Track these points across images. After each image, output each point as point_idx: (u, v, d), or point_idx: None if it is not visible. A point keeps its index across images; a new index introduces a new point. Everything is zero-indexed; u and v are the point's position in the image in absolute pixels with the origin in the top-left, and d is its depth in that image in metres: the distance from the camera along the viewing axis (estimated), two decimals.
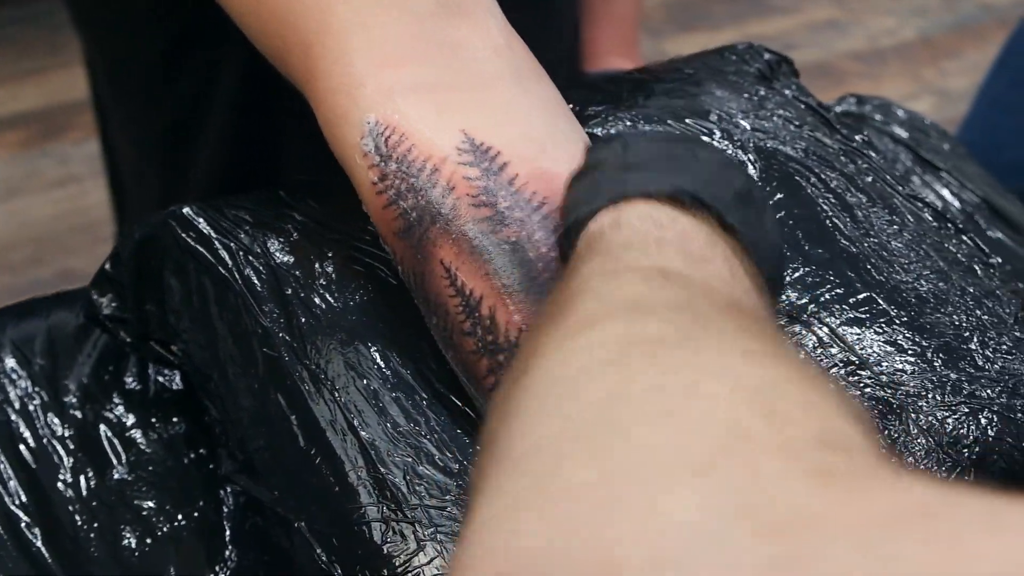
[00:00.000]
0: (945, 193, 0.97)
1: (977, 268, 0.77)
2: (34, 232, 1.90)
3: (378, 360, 0.70)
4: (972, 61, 2.16)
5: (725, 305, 0.49)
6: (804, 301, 0.73)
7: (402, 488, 0.65)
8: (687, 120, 0.81)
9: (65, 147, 2.01)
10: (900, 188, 0.81)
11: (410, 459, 0.66)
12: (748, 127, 0.82)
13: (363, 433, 0.67)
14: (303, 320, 0.71)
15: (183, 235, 0.76)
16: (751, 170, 0.78)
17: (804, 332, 0.71)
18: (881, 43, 2.27)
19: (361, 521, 0.65)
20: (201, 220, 0.76)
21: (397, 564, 0.64)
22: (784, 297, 0.73)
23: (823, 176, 0.79)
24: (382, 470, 0.66)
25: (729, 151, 0.79)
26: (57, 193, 1.96)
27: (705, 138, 0.79)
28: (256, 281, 0.73)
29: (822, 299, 0.73)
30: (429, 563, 0.63)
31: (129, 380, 0.83)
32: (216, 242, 0.75)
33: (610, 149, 0.60)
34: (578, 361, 0.43)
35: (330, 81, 0.66)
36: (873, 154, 0.83)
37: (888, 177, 0.81)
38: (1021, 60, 1.39)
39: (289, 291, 0.72)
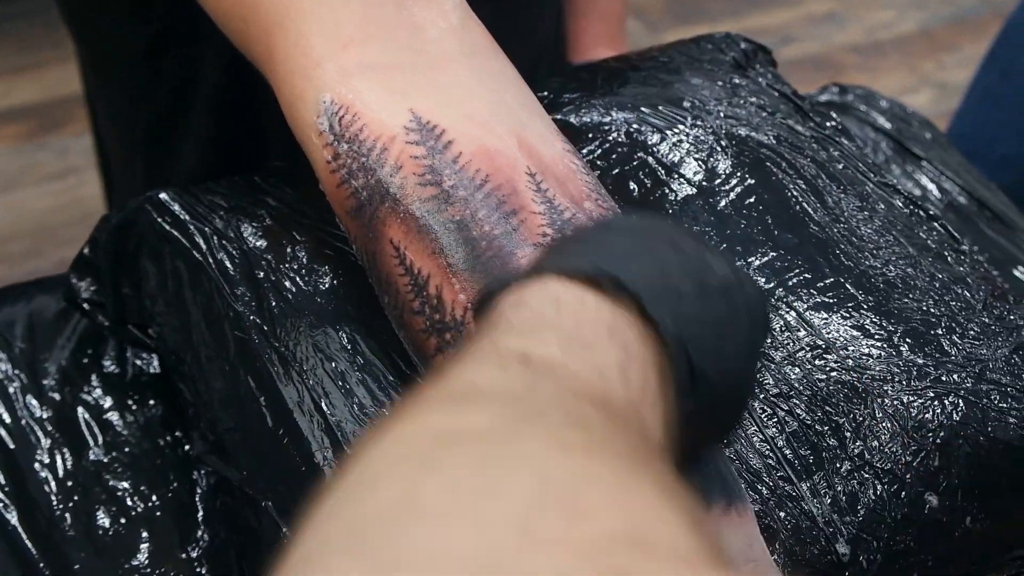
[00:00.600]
0: (925, 181, 0.98)
1: (947, 255, 0.78)
2: (32, 224, 1.91)
3: (346, 343, 0.70)
4: (971, 54, 2.16)
5: (582, 396, 0.46)
6: (771, 286, 0.73)
7: None
8: (660, 107, 0.82)
9: (64, 140, 2.02)
10: (872, 175, 0.81)
11: None
12: (721, 114, 0.82)
13: (330, 414, 0.68)
14: (274, 303, 0.72)
15: (159, 220, 0.77)
16: (723, 163, 0.79)
17: (770, 316, 0.72)
18: (879, 36, 2.27)
19: None
20: (177, 205, 0.77)
21: None
22: None
23: (794, 162, 0.80)
24: (347, 451, 0.66)
25: (705, 141, 0.80)
26: (55, 185, 1.97)
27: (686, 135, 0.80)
28: (229, 265, 0.74)
29: (790, 283, 0.73)
30: None
31: (107, 363, 0.84)
32: (191, 227, 0.76)
33: (591, 227, 0.59)
34: (386, 456, 0.41)
35: (289, 63, 0.67)
36: (845, 141, 0.84)
37: (860, 164, 0.82)
38: (1012, 52, 1.39)
39: (261, 275, 0.73)
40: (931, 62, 2.27)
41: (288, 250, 0.74)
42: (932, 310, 0.73)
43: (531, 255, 0.63)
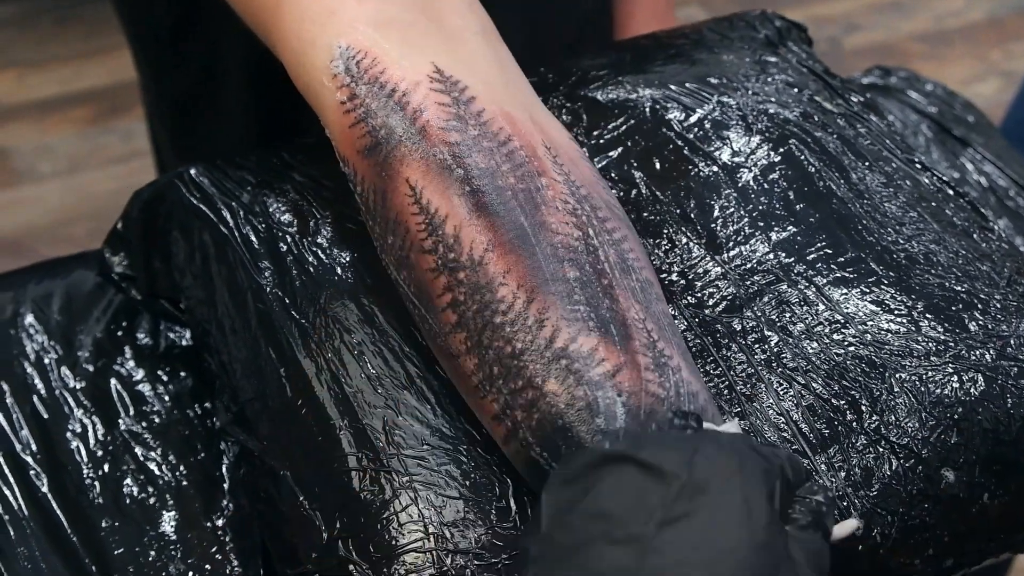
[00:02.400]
0: (966, 164, 0.96)
1: (973, 232, 0.77)
2: (96, 206, 1.94)
3: (364, 315, 0.71)
4: None
5: None
6: (791, 260, 0.73)
7: (381, 438, 0.66)
8: (687, 84, 0.82)
9: (129, 124, 2.05)
10: (899, 153, 0.81)
11: (390, 410, 0.68)
12: (748, 91, 0.82)
13: (346, 385, 0.69)
14: (296, 276, 0.73)
15: (188, 195, 0.78)
16: (748, 139, 0.78)
17: (790, 290, 0.72)
18: (947, 24, 2.24)
19: (341, 470, 0.67)
20: (206, 180, 0.78)
21: (373, 511, 0.65)
22: (772, 255, 0.73)
23: (820, 139, 0.79)
24: (363, 421, 0.67)
25: (731, 118, 0.79)
26: (119, 168, 2.00)
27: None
28: (254, 239, 0.75)
29: (809, 258, 0.73)
30: (403, 510, 0.64)
31: (141, 336, 0.85)
32: (219, 201, 0.77)
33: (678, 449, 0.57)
34: None
35: (299, 10, 0.67)
36: (874, 118, 0.83)
37: (887, 141, 0.81)
38: None
39: (284, 248, 0.74)
40: (999, 51, 2.23)
41: (311, 224, 0.75)
42: (954, 286, 0.72)
43: (557, 216, 0.63)
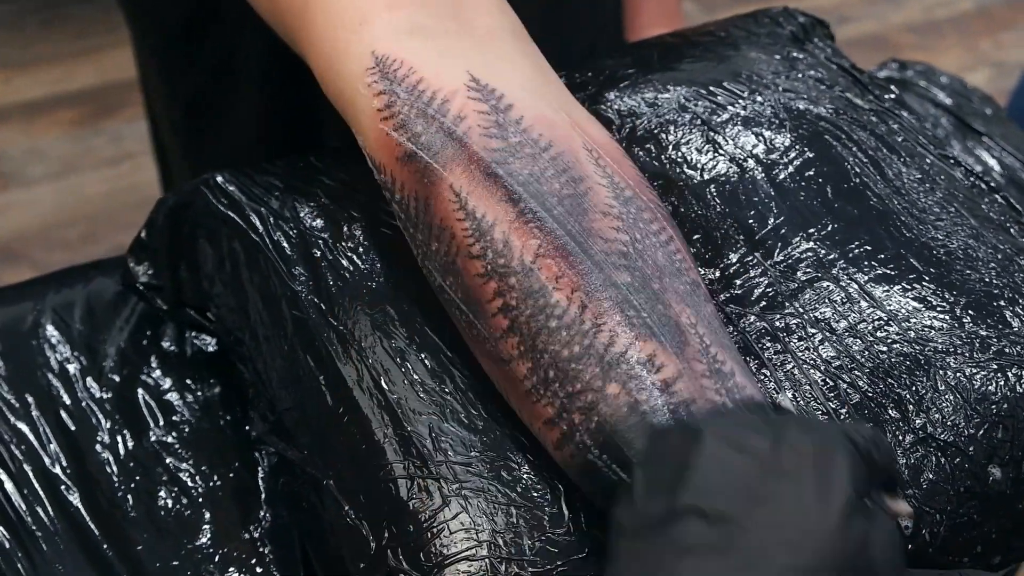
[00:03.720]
0: (986, 157, 0.96)
1: (1010, 227, 0.77)
2: (89, 209, 1.92)
3: (404, 320, 0.70)
4: None
5: None
6: (833, 256, 0.72)
7: (427, 445, 0.66)
8: (717, 81, 0.81)
9: (119, 125, 2.03)
10: (932, 148, 0.80)
11: (435, 416, 0.67)
12: (779, 87, 0.81)
13: (389, 392, 0.68)
14: (331, 282, 0.72)
15: (215, 202, 0.77)
16: (782, 136, 0.78)
17: (832, 287, 0.71)
18: (937, 15, 2.24)
19: (388, 478, 0.66)
20: (233, 187, 0.77)
21: (423, 519, 0.64)
22: (811, 251, 0.73)
23: (853, 135, 0.79)
24: (408, 428, 0.66)
25: (763, 115, 0.79)
26: (111, 171, 1.98)
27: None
28: (286, 245, 0.74)
29: (850, 255, 0.72)
30: (454, 518, 0.63)
31: (166, 344, 0.84)
32: (247, 208, 0.76)
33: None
34: None
35: (330, 18, 0.67)
36: (905, 114, 0.83)
37: (920, 137, 0.81)
38: None
39: (318, 254, 0.73)
40: (988, 41, 2.24)
41: (344, 229, 0.74)
42: (995, 281, 0.72)
43: (604, 222, 0.63)
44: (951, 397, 0.68)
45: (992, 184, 0.80)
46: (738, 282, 0.72)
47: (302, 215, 0.75)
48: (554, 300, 0.61)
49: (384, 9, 0.66)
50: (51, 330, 0.84)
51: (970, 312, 0.71)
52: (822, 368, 0.69)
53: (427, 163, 0.64)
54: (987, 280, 0.72)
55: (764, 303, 0.71)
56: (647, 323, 0.61)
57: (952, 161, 0.80)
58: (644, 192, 0.67)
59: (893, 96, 0.84)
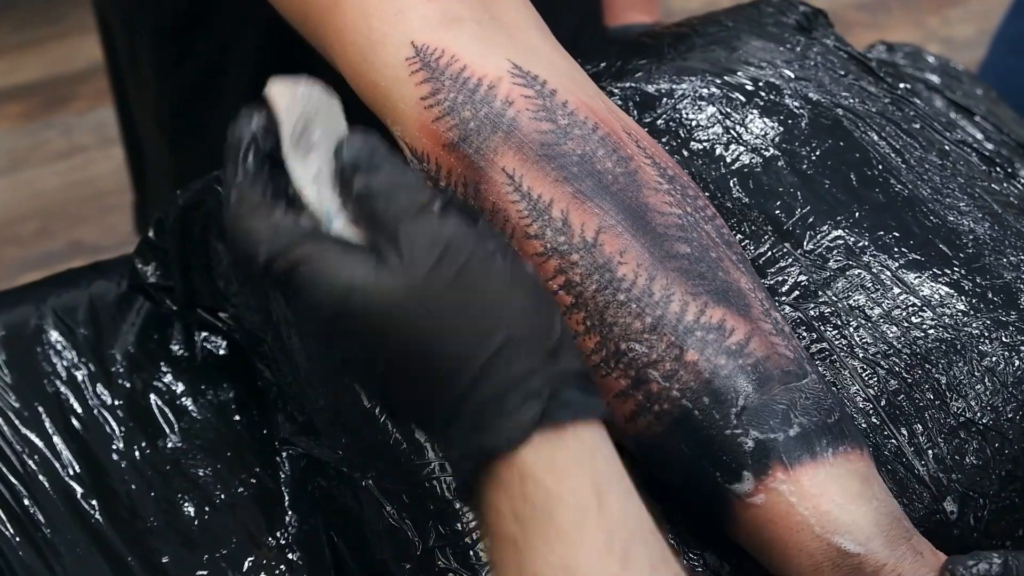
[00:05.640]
0: (980, 137, 0.97)
1: None
2: (42, 204, 1.89)
3: None
4: (976, 8, 2.15)
5: None
6: (864, 243, 0.72)
7: None
8: (730, 71, 0.81)
9: (69, 118, 1.99)
10: (948, 134, 0.81)
11: None
12: (792, 76, 0.81)
13: None
14: None
15: None
16: (800, 124, 0.78)
17: (864, 274, 0.71)
18: None
19: (431, 476, 0.65)
20: None
21: (469, 518, 0.63)
22: (841, 239, 0.72)
23: (872, 123, 0.79)
24: None
25: (780, 103, 0.79)
26: (63, 164, 1.94)
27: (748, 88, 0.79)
28: None
29: (880, 242, 0.72)
30: None
31: (175, 347, 0.82)
32: None
33: None
34: None
35: (363, 9, 0.66)
36: (918, 101, 0.83)
37: (936, 123, 0.81)
38: None
39: None
40: (936, 17, 2.26)
41: None
42: (1023, 266, 0.73)
43: (657, 197, 0.64)
44: (988, 382, 0.68)
45: (1008, 169, 0.80)
46: (769, 271, 0.72)
47: None
48: (620, 274, 0.61)
49: (420, 1, 0.66)
50: (55, 335, 0.82)
51: (1001, 296, 0.71)
52: (860, 356, 0.69)
53: (477, 147, 0.64)
54: (1015, 264, 0.73)
55: (797, 293, 0.71)
56: (712, 290, 0.62)
57: (968, 147, 0.80)
58: (682, 173, 0.68)
59: (906, 84, 0.84)
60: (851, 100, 0.80)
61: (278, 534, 0.75)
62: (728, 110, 0.78)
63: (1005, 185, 0.78)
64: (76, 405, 0.79)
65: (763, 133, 0.77)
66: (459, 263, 0.51)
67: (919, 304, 0.70)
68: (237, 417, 0.80)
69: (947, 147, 0.79)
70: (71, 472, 0.77)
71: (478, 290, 0.51)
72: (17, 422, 0.78)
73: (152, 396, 0.80)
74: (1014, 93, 1.31)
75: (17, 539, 0.74)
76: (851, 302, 0.71)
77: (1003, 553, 0.61)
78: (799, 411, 0.61)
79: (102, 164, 1.84)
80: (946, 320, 0.70)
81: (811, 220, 0.74)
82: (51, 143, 1.98)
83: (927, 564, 0.60)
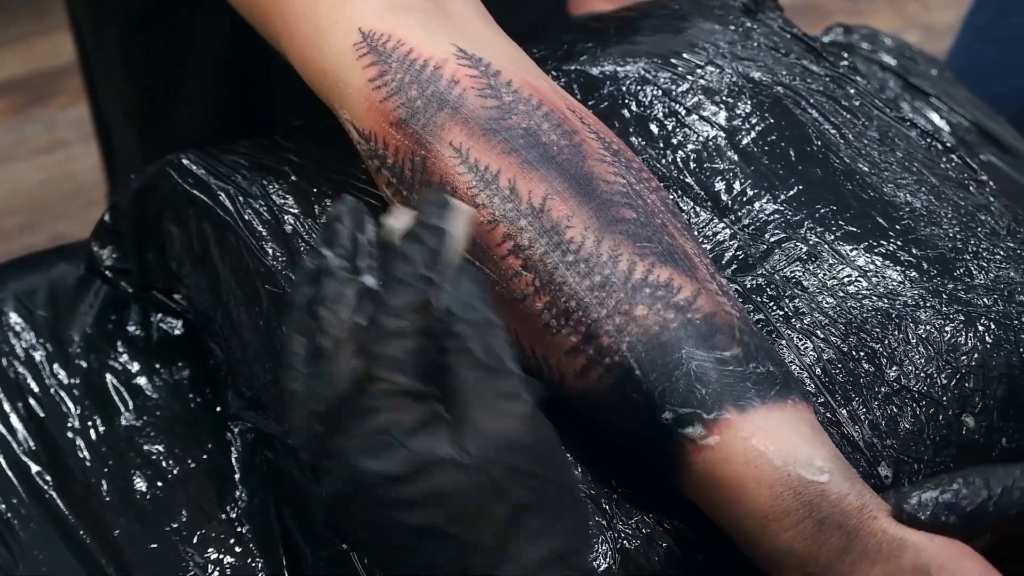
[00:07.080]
0: (935, 117, 0.98)
1: (969, 184, 0.78)
2: (24, 199, 1.90)
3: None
4: None
5: None
6: (800, 217, 0.74)
7: None
8: (675, 53, 0.82)
9: (51, 113, 2.01)
10: (888, 111, 0.82)
11: None
12: (736, 56, 0.82)
13: None
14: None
15: (182, 183, 0.77)
16: (742, 103, 0.79)
17: (800, 247, 0.72)
18: None
19: None
20: (199, 167, 0.77)
21: None
22: (778, 213, 0.74)
23: (812, 100, 0.80)
24: None
25: (722, 83, 0.80)
26: (45, 159, 1.96)
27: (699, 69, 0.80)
28: (257, 222, 0.73)
29: (817, 215, 0.74)
30: None
31: (132, 328, 0.84)
32: (215, 187, 0.75)
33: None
34: None
35: None
36: (859, 79, 0.84)
37: (876, 100, 0.82)
38: None
39: (290, 229, 0.73)
40: (916, 4, 2.27)
41: (316, 206, 0.74)
42: (959, 236, 0.74)
43: (602, 167, 0.66)
44: (923, 349, 0.69)
45: (948, 144, 0.81)
46: (708, 246, 0.73)
47: (271, 192, 0.75)
48: (568, 237, 0.63)
49: None
50: (15, 317, 0.83)
51: (937, 266, 0.72)
52: (796, 326, 0.70)
53: (424, 123, 0.66)
54: (951, 235, 0.74)
55: (735, 266, 0.72)
56: (659, 251, 0.64)
57: (908, 123, 0.82)
58: (626, 148, 0.70)
59: (846, 62, 0.86)
60: (792, 79, 0.81)
61: (228, 508, 0.76)
62: (671, 91, 0.80)
63: (944, 160, 0.80)
64: (33, 385, 0.81)
65: (704, 112, 0.79)
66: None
67: (855, 275, 0.71)
68: (191, 395, 0.81)
69: (887, 122, 0.80)
70: (27, 449, 0.78)
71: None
72: None
73: (108, 376, 0.81)
74: (981, 78, 1.32)
75: None
76: (787, 273, 0.72)
77: (956, 476, 0.61)
78: (748, 361, 0.62)
79: (84, 159, 1.84)
80: (881, 290, 0.71)
81: (749, 195, 0.75)
82: (34, 138, 1.99)
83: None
